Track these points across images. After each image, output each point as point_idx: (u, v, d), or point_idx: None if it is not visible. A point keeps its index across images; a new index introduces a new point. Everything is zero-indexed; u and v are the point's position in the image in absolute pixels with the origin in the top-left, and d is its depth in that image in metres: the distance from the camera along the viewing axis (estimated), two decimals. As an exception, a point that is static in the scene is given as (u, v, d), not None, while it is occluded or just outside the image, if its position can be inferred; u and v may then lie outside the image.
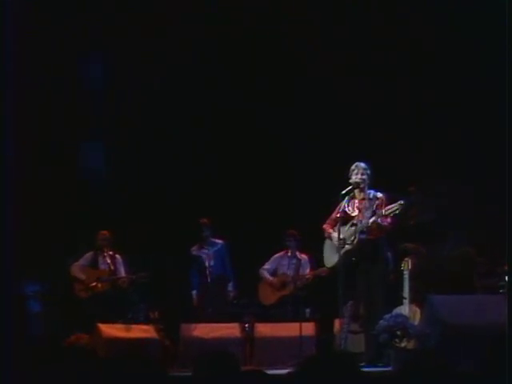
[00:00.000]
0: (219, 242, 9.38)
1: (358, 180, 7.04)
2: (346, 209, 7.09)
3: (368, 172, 7.10)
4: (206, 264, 9.17)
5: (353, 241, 6.96)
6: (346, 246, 6.95)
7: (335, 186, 7.14)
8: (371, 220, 6.91)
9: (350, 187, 6.97)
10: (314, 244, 9.21)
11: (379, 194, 7.05)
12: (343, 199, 6.95)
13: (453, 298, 6.82)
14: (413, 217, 8.94)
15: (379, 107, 9.39)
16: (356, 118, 9.58)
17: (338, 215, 7.06)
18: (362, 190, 7.09)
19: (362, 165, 7.11)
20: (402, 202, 6.84)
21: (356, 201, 7.11)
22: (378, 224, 6.88)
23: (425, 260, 8.69)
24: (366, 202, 7.04)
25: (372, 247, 6.98)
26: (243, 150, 10.26)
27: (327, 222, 7.16)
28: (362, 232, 6.95)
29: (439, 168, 8.88)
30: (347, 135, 9.61)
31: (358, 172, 7.07)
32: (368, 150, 7.67)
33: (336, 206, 7.15)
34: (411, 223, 8.89)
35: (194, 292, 9.31)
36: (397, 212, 6.81)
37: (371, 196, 7.03)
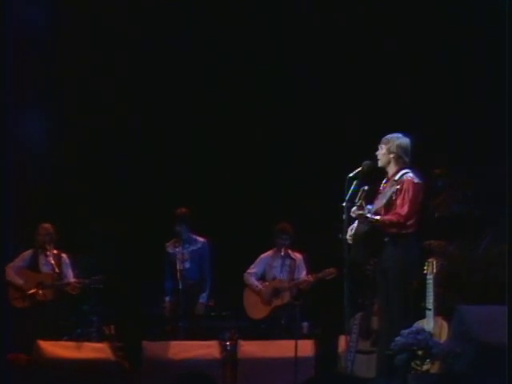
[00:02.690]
0: (200, 240, 9.38)
1: (377, 158, 7.01)
2: (382, 188, 7.09)
3: (390, 146, 7.00)
4: (178, 266, 9.14)
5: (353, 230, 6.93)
6: (349, 238, 6.93)
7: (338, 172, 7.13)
8: (353, 209, 6.82)
9: (360, 169, 6.92)
10: (309, 241, 9.32)
11: (407, 176, 6.90)
12: (351, 184, 6.88)
13: (489, 310, 6.78)
14: (439, 207, 8.95)
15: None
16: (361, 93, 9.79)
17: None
18: (387, 170, 7.04)
19: (384, 137, 7.07)
20: (366, 188, 6.79)
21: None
22: (366, 218, 6.78)
23: (454, 261, 8.71)
24: (389, 185, 6.99)
25: (380, 242, 6.94)
26: (222, 131, 10.40)
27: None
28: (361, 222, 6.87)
29: (473, 146, 8.90)
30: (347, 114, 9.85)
31: (379, 147, 7.07)
32: (379, 127, 7.61)
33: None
34: (436, 215, 8.90)
35: (167, 298, 9.28)
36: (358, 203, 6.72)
37: (397, 178, 6.95)
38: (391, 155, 7.01)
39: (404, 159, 7.03)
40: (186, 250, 9.22)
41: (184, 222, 9.21)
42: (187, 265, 9.17)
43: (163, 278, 9.25)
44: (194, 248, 9.29)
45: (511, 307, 5.98)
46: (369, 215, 6.81)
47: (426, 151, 8.28)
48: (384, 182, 7.12)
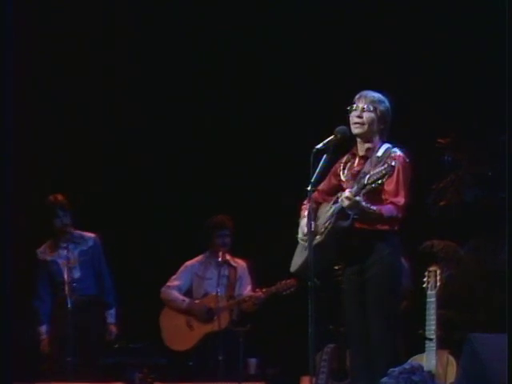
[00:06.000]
0: (89, 235, 9.41)
1: (354, 126, 7.04)
2: (341, 173, 7.18)
3: (380, 109, 7.08)
4: (65, 277, 9.11)
5: (326, 228, 6.95)
6: (317, 238, 6.95)
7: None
8: (345, 193, 6.85)
9: (332, 137, 6.94)
10: (257, 242, 9.29)
11: (395, 153, 6.97)
12: (319, 159, 6.89)
13: (512, 340, 6.78)
14: (445, 192, 8.99)
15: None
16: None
17: (324, 187, 7.17)
18: (366, 142, 7.12)
19: (370, 96, 7.10)
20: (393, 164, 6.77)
21: (357, 160, 7.16)
22: (359, 205, 6.80)
23: (466, 270, 8.72)
24: (369, 163, 7.00)
25: (363, 243, 6.98)
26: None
27: (312, 195, 7.04)
28: (340, 214, 6.89)
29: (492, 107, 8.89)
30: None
31: (357, 109, 7.08)
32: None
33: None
34: (441, 204, 8.91)
35: (43, 328, 9.34)
36: (379, 182, 6.80)
37: (380, 153, 6.99)
38: (382, 126, 7.09)
39: (387, 132, 7.15)
40: (72, 253, 9.18)
41: (68, 212, 9.19)
42: (76, 274, 9.20)
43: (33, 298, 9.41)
44: (84, 248, 9.33)
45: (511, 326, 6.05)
46: (364, 203, 6.78)
47: (427, 116, 8.34)
48: (346, 157, 7.20)
